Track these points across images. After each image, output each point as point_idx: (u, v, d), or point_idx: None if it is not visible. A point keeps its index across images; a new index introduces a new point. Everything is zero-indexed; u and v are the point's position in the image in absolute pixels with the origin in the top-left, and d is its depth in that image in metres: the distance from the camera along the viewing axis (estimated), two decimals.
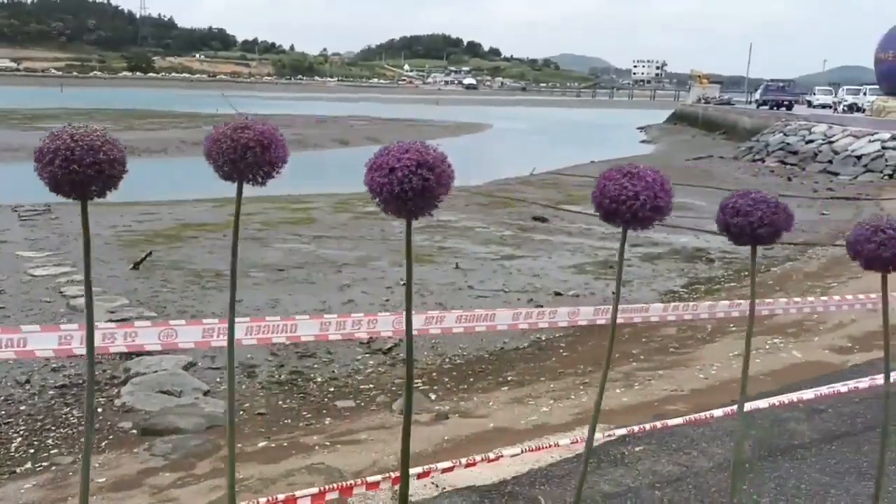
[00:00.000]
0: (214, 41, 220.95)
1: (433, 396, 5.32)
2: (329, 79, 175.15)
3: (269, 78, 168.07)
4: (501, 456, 3.08)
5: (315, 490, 2.65)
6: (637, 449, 3.44)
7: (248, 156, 1.11)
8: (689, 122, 44.20)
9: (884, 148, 19.27)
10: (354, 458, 3.94)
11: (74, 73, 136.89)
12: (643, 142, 39.88)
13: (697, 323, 7.30)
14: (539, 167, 23.67)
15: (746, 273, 9.74)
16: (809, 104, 44.18)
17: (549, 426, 4.28)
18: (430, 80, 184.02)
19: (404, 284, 7.07)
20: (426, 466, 2.94)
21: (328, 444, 4.26)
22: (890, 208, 14.99)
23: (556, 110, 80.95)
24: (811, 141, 21.77)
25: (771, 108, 39.82)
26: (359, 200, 15.63)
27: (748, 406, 3.64)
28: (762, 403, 3.70)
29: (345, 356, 6.32)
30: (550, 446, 3.34)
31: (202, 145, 1.22)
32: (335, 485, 2.75)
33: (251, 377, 5.72)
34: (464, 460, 2.98)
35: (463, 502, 2.94)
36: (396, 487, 2.90)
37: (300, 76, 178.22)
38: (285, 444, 4.30)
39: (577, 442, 3.35)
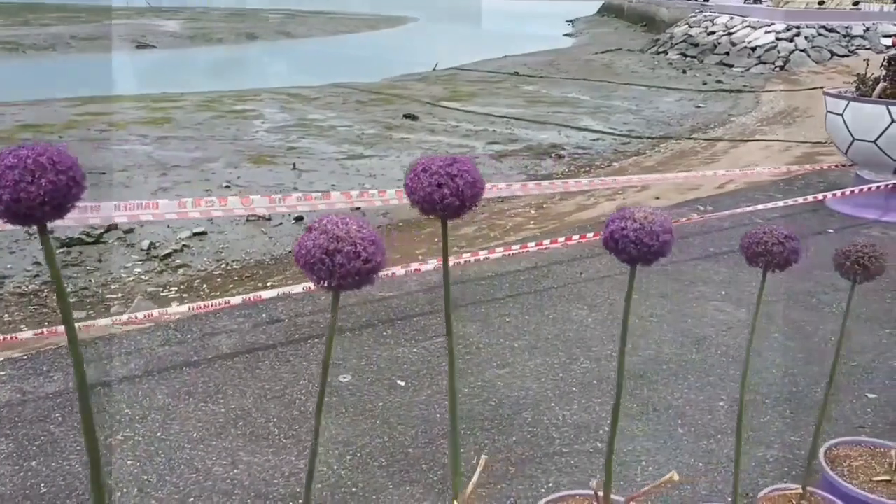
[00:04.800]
0: None
1: (175, 304, 5.13)
2: None
3: None
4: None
5: None
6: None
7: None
8: (616, 14, 43.40)
9: (777, 39, 19.13)
10: None
11: None
12: (566, 35, 39.09)
13: (498, 222, 7.21)
14: (448, 62, 22.98)
15: (586, 169, 9.65)
16: None
17: None
18: None
19: (227, 187, 6.62)
20: None
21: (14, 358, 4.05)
22: (766, 100, 15.01)
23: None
24: (712, 33, 21.48)
25: None
26: (230, 98, 15.02)
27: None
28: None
29: (115, 263, 6.05)
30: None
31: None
32: None
33: None
34: None
35: None
36: None
37: None
38: None
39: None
